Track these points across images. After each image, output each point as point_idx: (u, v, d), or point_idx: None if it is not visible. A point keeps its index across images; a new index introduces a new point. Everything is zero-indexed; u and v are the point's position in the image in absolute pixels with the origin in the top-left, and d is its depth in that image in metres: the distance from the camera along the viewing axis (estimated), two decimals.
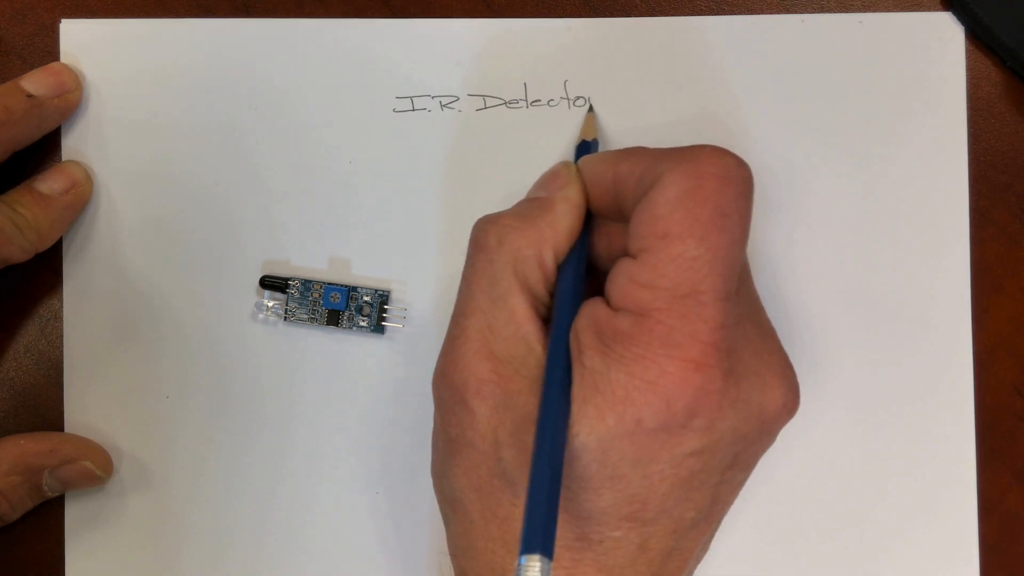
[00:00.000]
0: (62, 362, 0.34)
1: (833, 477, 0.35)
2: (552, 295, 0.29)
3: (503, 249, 0.28)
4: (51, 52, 0.35)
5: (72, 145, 0.34)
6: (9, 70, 0.35)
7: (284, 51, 0.35)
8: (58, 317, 0.35)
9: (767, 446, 0.29)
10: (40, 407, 0.35)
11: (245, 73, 0.35)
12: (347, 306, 0.34)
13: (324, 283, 0.34)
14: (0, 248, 0.31)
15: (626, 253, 0.27)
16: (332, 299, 0.34)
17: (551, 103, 0.35)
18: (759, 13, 0.36)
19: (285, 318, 0.34)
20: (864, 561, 0.35)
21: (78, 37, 0.35)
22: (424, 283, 0.35)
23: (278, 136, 0.35)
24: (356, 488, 0.35)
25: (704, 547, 0.29)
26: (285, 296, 0.34)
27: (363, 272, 0.35)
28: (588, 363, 0.26)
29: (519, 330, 0.27)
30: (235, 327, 0.35)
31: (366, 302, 0.34)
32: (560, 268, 0.29)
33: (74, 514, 0.34)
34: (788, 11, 0.36)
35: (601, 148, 0.35)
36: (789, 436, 0.35)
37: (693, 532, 0.27)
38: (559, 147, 0.35)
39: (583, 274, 0.29)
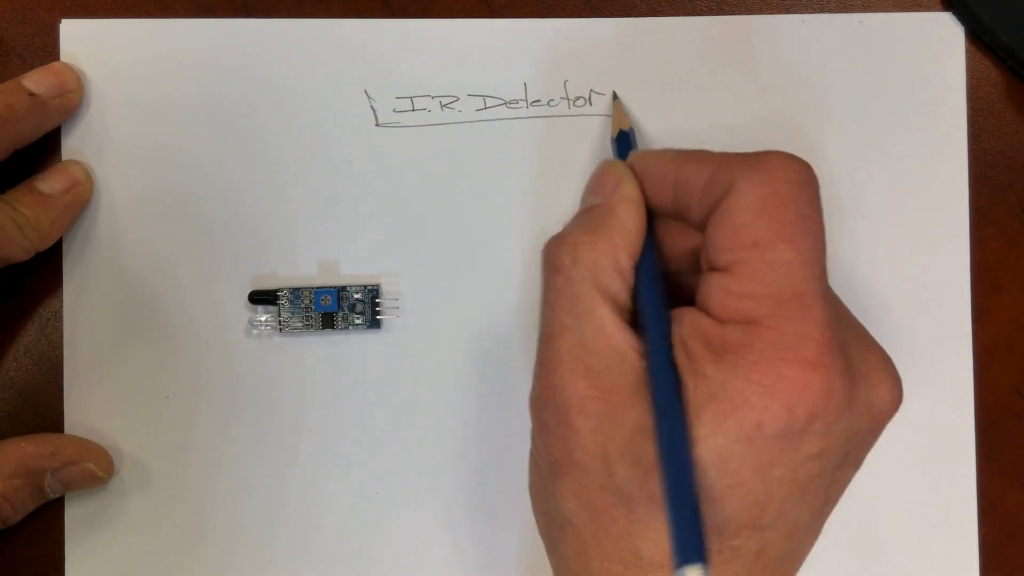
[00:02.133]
0: (62, 362, 0.34)
1: None
2: (634, 299, 0.29)
3: (579, 266, 0.28)
4: (51, 52, 0.35)
5: (72, 145, 0.34)
6: (9, 70, 0.35)
7: (284, 51, 0.35)
8: (58, 317, 0.35)
9: (874, 442, 0.28)
10: (40, 407, 0.35)
11: (245, 73, 0.35)
12: (339, 307, 0.34)
13: (313, 288, 0.34)
14: (0, 247, 0.31)
15: (706, 262, 0.27)
16: (323, 302, 0.34)
17: (551, 103, 0.35)
18: (759, 13, 0.36)
19: (280, 330, 0.34)
20: (864, 561, 0.35)
21: (78, 37, 0.35)
22: (417, 273, 0.35)
23: (278, 136, 0.35)
24: (360, 486, 0.35)
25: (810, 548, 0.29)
26: (277, 308, 0.34)
27: (355, 271, 0.35)
28: (701, 371, 0.26)
29: (610, 341, 0.27)
30: (237, 325, 0.35)
31: (357, 299, 0.34)
32: (637, 271, 0.29)
33: (74, 514, 0.34)
34: (788, 11, 0.36)
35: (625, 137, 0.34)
36: None
37: (806, 535, 0.27)
38: (558, 146, 0.35)
39: (660, 273, 0.29)
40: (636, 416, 0.26)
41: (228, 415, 0.35)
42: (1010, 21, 0.35)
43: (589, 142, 0.35)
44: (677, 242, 0.30)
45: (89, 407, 0.34)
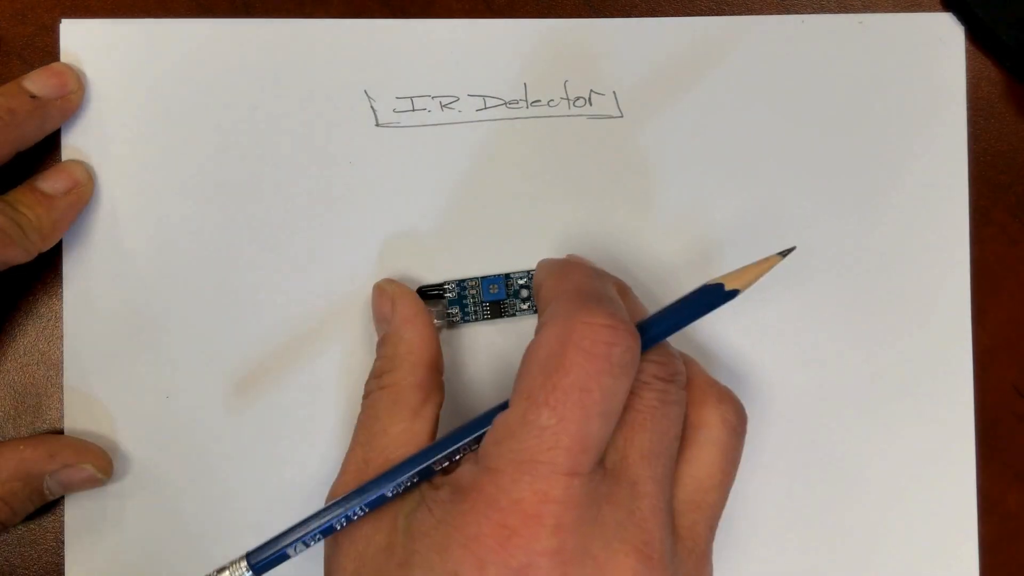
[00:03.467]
0: (62, 362, 0.34)
1: (833, 477, 0.35)
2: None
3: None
4: (51, 52, 0.34)
5: (72, 144, 0.34)
6: (9, 70, 0.35)
7: (284, 51, 0.35)
8: (58, 317, 0.35)
9: None
10: (40, 407, 0.35)
11: (245, 73, 0.35)
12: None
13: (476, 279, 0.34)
14: (2, 250, 0.31)
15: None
16: (491, 290, 0.35)
17: (551, 103, 0.35)
18: (759, 13, 0.36)
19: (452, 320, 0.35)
20: (864, 560, 0.35)
21: (78, 37, 0.35)
22: (416, 273, 0.35)
23: (278, 136, 0.35)
24: None
25: None
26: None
27: (355, 271, 0.35)
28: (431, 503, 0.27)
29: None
30: (235, 325, 0.35)
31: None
32: None
33: (74, 515, 0.34)
34: (788, 11, 0.36)
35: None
36: (789, 435, 0.35)
37: None
38: (558, 146, 0.35)
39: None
40: None
41: (228, 415, 0.35)
42: (1010, 21, 0.35)
43: (589, 142, 0.35)
44: None
45: (89, 407, 0.34)
